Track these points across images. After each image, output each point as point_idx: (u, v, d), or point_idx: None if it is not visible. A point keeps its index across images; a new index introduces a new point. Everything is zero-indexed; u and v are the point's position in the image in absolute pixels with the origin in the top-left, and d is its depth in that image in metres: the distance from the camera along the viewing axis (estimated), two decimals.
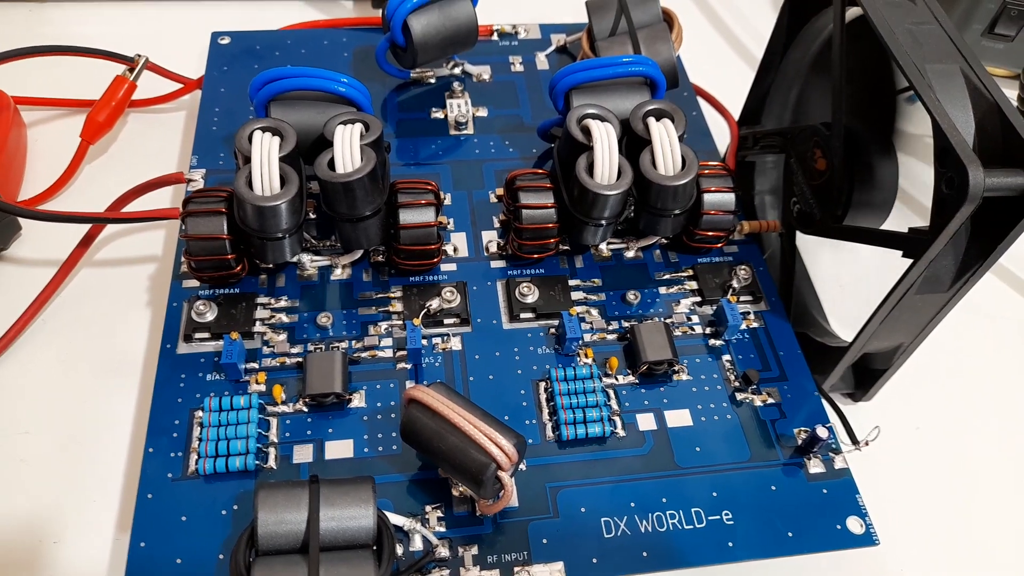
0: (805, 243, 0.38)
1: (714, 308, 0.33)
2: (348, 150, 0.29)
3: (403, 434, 0.26)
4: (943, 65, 0.28)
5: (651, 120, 0.32)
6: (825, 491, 0.28)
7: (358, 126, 0.30)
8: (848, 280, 0.40)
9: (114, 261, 0.37)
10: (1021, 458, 0.34)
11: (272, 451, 0.28)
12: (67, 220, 0.33)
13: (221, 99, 0.39)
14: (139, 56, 0.41)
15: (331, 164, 0.29)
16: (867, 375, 0.34)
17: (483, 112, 0.40)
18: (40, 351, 0.33)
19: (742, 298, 0.34)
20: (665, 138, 0.31)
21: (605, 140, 0.30)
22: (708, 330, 0.32)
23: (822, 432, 0.28)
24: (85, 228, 0.35)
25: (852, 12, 0.32)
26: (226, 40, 0.42)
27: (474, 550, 0.26)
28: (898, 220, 0.34)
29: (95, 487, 0.30)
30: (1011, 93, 0.46)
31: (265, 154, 0.29)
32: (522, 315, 0.32)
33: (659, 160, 0.31)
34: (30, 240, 0.37)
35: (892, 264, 0.37)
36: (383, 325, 0.31)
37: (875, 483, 0.32)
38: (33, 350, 0.33)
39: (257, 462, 0.27)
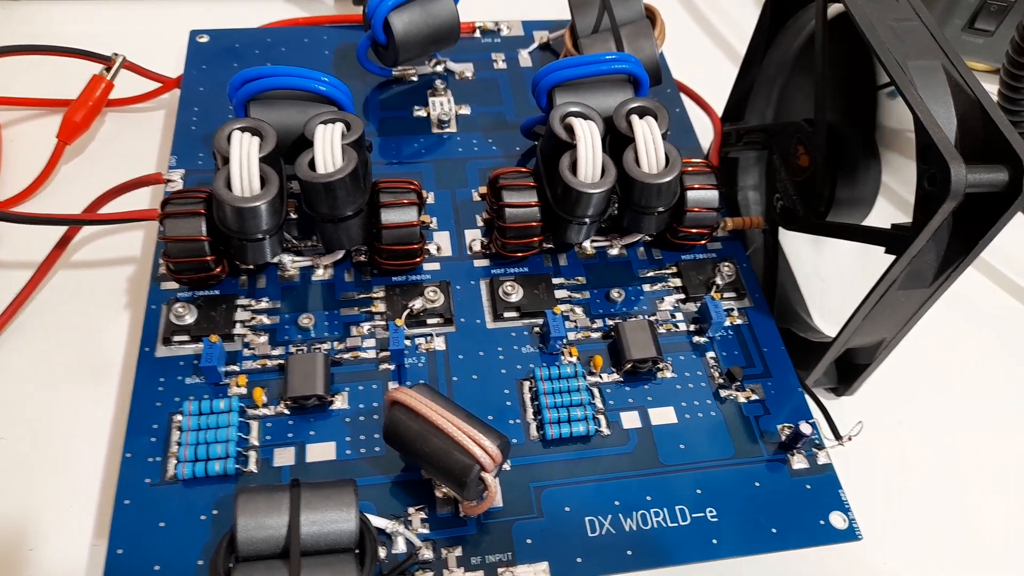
0: (787, 239, 0.38)
1: (698, 305, 0.33)
2: (329, 150, 0.29)
3: (386, 436, 0.26)
4: (925, 62, 0.28)
5: (634, 118, 0.32)
6: (808, 487, 0.28)
7: (339, 125, 0.30)
8: (829, 275, 0.40)
9: (91, 263, 0.36)
10: (1002, 451, 0.34)
11: (253, 454, 0.27)
12: (43, 222, 0.32)
13: (200, 98, 0.39)
14: (116, 55, 0.40)
15: (312, 164, 0.29)
16: (850, 370, 0.34)
17: (466, 110, 0.39)
18: (16, 355, 0.33)
19: (726, 295, 0.34)
20: (648, 136, 0.31)
21: (588, 138, 0.30)
22: (692, 327, 0.32)
23: (805, 428, 0.28)
24: (62, 230, 0.35)
25: (834, 9, 0.32)
26: (205, 38, 0.41)
27: (458, 551, 0.26)
28: (878, 214, 0.34)
29: (72, 493, 0.29)
30: (991, 88, 0.46)
31: (244, 155, 0.29)
32: (506, 314, 0.32)
33: (642, 158, 0.31)
34: (5, 243, 0.36)
35: (874, 259, 0.37)
36: (366, 326, 0.31)
37: (858, 477, 0.32)
38: (9, 354, 0.33)
39: (237, 466, 0.27)
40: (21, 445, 0.30)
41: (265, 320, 0.31)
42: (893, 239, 0.28)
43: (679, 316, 0.33)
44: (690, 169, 0.33)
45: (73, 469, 0.30)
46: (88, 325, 0.34)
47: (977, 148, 0.26)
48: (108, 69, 0.40)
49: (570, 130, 0.31)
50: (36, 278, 0.34)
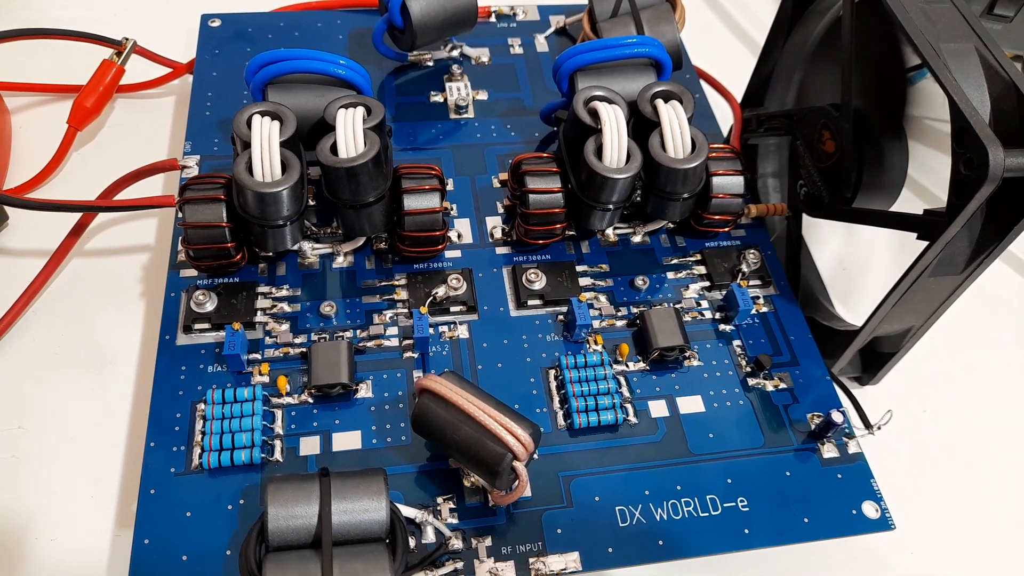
0: (805, 227, 0.37)
1: (723, 293, 0.33)
2: (351, 134, 0.28)
3: (415, 425, 0.25)
4: (958, 44, 0.27)
5: (659, 102, 0.31)
6: (840, 476, 0.28)
7: (360, 110, 0.29)
8: (851, 263, 0.39)
9: (105, 251, 0.36)
10: None
11: (278, 444, 0.27)
12: (59, 209, 0.32)
13: (213, 83, 0.38)
14: (127, 39, 0.40)
15: (334, 149, 0.28)
16: (874, 359, 0.34)
17: (483, 95, 0.39)
18: (31, 344, 0.32)
19: (751, 282, 0.33)
20: (675, 120, 0.30)
21: (614, 122, 0.30)
22: (718, 315, 0.32)
23: (837, 417, 0.28)
24: (75, 217, 0.34)
25: None
26: (216, 23, 0.41)
27: (488, 541, 0.26)
28: (898, 203, 0.33)
29: (92, 483, 0.29)
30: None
31: (265, 139, 0.28)
32: (529, 302, 0.31)
33: (669, 143, 0.30)
34: (18, 230, 0.36)
35: (897, 247, 0.37)
36: (388, 314, 0.31)
37: (881, 465, 0.31)
38: (24, 343, 0.32)
39: (263, 455, 0.26)
40: (39, 435, 0.30)
41: (286, 308, 0.30)
42: (927, 225, 0.27)
43: (704, 304, 0.32)
44: (715, 154, 0.32)
45: (92, 459, 0.29)
46: (103, 313, 0.33)
47: (1013, 132, 0.26)
48: (118, 54, 0.39)
49: (594, 114, 0.31)
50: (50, 266, 0.33)
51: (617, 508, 0.27)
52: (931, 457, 0.33)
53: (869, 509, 0.27)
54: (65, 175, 0.38)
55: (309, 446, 0.27)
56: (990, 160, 0.24)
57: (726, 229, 0.34)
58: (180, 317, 0.30)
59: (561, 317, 0.31)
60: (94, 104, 0.38)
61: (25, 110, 0.41)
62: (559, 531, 0.26)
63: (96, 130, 0.40)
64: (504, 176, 0.35)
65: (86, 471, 0.29)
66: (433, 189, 0.31)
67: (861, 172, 0.32)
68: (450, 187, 0.35)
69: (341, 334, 0.30)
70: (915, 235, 0.28)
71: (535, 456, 0.27)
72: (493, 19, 0.43)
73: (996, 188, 0.25)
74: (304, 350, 0.29)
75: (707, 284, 0.33)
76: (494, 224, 0.34)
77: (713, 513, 0.27)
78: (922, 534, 0.31)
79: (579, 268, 0.33)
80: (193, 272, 0.31)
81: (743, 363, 0.31)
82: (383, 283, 0.31)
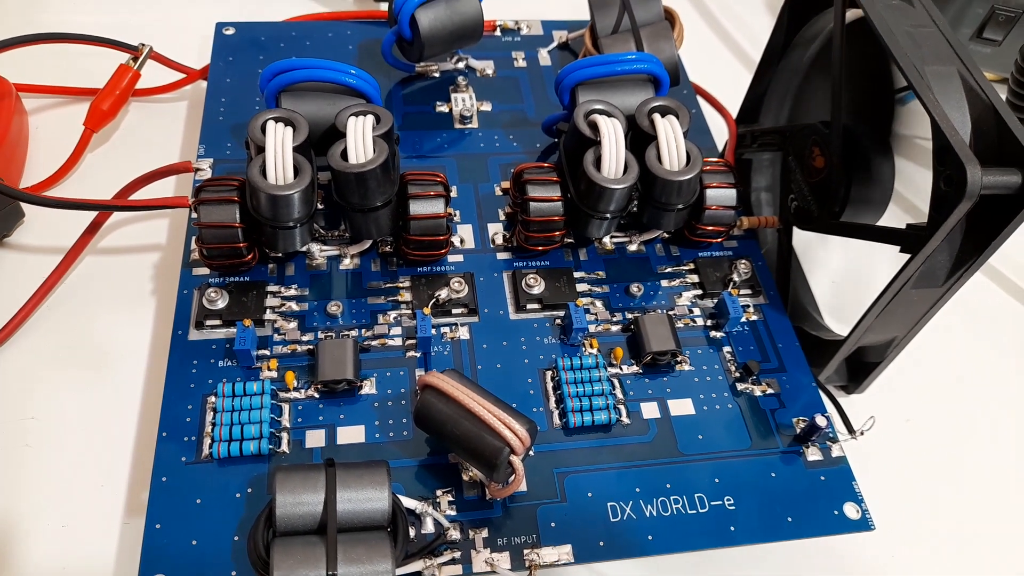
0: (797, 239, 0.39)
1: (715, 301, 0.34)
2: (361, 141, 0.30)
3: (417, 419, 0.27)
4: (941, 67, 0.29)
5: (656, 116, 0.32)
6: (823, 478, 0.29)
7: (370, 117, 0.31)
8: (840, 275, 0.41)
9: (119, 249, 0.37)
10: (1006, 451, 0.35)
11: (285, 436, 0.28)
12: (74, 207, 0.33)
13: (227, 89, 0.39)
14: (143, 45, 0.41)
15: (344, 155, 0.30)
16: (860, 368, 0.35)
17: (487, 107, 0.40)
18: (45, 338, 0.33)
19: (742, 292, 0.34)
20: (671, 134, 0.32)
21: (612, 135, 0.31)
22: (709, 322, 0.33)
23: (821, 421, 0.29)
24: (89, 216, 0.35)
25: (852, 13, 0.33)
26: (231, 31, 0.42)
27: (484, 533, 0.27)
28: (886, 217, 0.35)
29: (103, 472, 0.30)
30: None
31: (279, 144, 0.29)
32: (528, 306, 0.33)
33: (664, 155, 0.32)
34: (33, 227, 0.37)
35: (884, 260, 0.38)
36: (392, 314, 0.32)
37: (866, 473, 0.33)
38: (38, 337, 0.33)
39: (270, 446, 0.27)
40: (51, 425, 0.31)
41: (294, 307, 0.31)
42: (909, 238, 0.29)
43: (696, 311, 0.34)
44: (709, 168, 0.34)
45: (103, 449, 0.30)
46: (116, 309, 0.34)
47: (991, 151, 0.27)
48: (135, 59, 0.41)
49: (594, 127, 0.32)
50: (65, 263, 0.34)
51: (609, 504, 0.28)
52: (913, 465, 0.34)
53: (850, 510, 0.28)
54: (80, 175, 0.39)
55: (315, 439, 0.28)
56: (968, 177, 0.25)
57: (719, 240, 0.35)
58: (192, 313, 0.31)
59: (559, 321, 0.32)
60: (110, 107, 0.40)
61: (43, 111, 0.42)
62: (553, 524, 0.27)
63: (111, 132, 0.42)
64: (506, 184, 0.37)
65: (96, 461, 0.30)
66: (438, 195, 0.32)
67: (849, 187, 0.33)
68: (454, 194, 0.36)
69: (347, 333, 0.31)
70: (898, 248, 0.29)
71: (531, 452, 0.28)
72: (498, 33, 0.44)
73: (974, 204, 0.26)
74: (311, 347, 0.30)
75: (699, 292, 0.34)
76: (495, 230, 0.35)
77: (701, 511, 0.28)
78: (903, 537, 0.32)
79: (577, 274, 0.34)
80: (205, 270, 0.32)
81: (732, 368, 0.32)
82: (388, 285, 0.33)
